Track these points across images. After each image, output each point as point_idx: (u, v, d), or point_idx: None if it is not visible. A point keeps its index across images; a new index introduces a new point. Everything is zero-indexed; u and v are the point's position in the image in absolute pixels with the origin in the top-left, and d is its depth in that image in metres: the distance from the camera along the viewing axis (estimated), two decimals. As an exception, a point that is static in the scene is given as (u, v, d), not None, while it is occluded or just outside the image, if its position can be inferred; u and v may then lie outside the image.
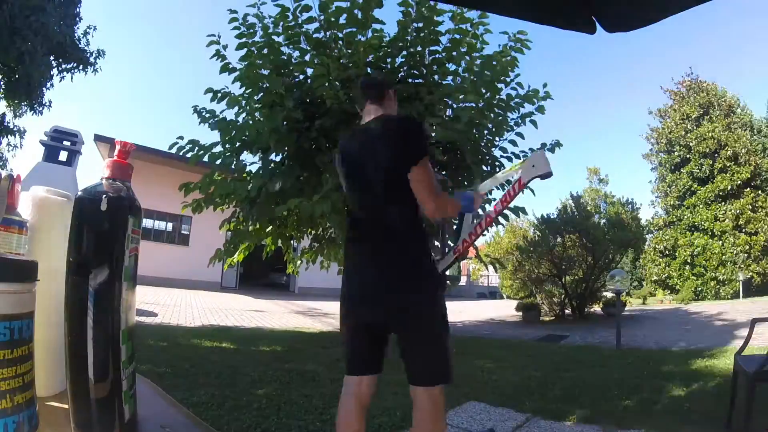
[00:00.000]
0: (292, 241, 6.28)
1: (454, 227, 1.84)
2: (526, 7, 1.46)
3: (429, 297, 1.33)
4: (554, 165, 1.72)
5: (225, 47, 4.94)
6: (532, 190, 5.24)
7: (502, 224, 6.44)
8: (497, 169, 5.28)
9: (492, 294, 23.74)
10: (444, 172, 5.04)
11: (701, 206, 15.39)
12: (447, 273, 1.78)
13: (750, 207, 14.38)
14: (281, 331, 6.52)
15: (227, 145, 5.07)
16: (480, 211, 1.91)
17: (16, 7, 6.81)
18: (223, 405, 2.56)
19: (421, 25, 4.63)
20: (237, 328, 6.39)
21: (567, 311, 9.93)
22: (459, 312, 11.60)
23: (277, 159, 5.31)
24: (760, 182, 14.80)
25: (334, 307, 7.23)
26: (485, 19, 4.74)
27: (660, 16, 1.40)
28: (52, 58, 8.17)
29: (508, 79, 4.95)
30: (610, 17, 1.45)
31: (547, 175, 1.62)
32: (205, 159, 4.98)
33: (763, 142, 16.79)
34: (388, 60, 4.94)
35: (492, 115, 5.00)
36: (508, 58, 4.76)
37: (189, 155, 4.95)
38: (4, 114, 8.59)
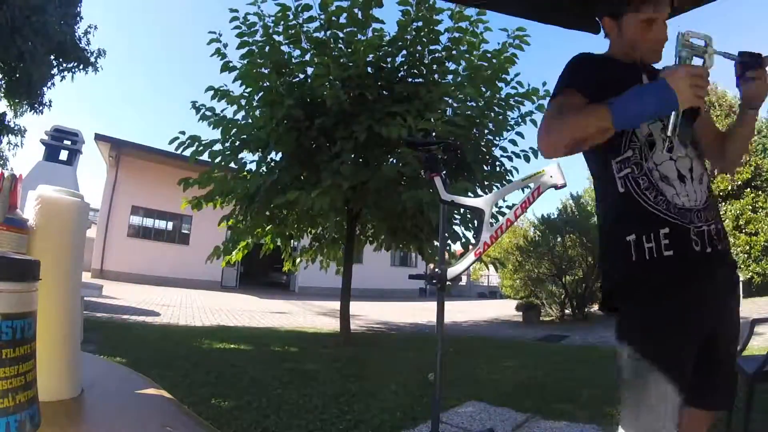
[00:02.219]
0: (291, 240, 6.29)
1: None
2: (530, 7, 1.47)
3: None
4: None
5: (225, 46, 4.96)
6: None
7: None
8: (498, 169, 5.28)
9: (492, 294, 23.75)
10: (444, 172, 5.06)
11: (701, 206, 15.40)
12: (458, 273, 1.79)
13: (750, 207, 14.38)
14: (282, 330, 6.53)
15: (227, 144, 5.07)
16: (499, 217, 1.91)
17: (17, 7, 6.81)
18: (223, 405, 2.56)
19: (420, 24, 4.64)
20: (237, 328, 6.40)
21: (567, 311, 9.93)
22: (459, 312, 11.61)
23: (277, 158, 5.32)
24: (760, 183, 14.79)
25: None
26: (483, 17, 4.74)
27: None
28: (52, 57, 8.17)
29: (508, 78, 4.96)
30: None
31: (561, 186, 1.73)
32: (205, 157, 4.98)
33: (764, 142, 16.78)
34: (389, 59, 4.95)
35: (492, 114, 5.00)
36: (507, 54, 4.77)
37: (189, 151, 4.94)
38: (4, 113, 8.59)
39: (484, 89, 4.89)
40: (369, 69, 4.84)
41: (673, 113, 0.88)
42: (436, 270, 1.77)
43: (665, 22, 1.05)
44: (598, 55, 1.13)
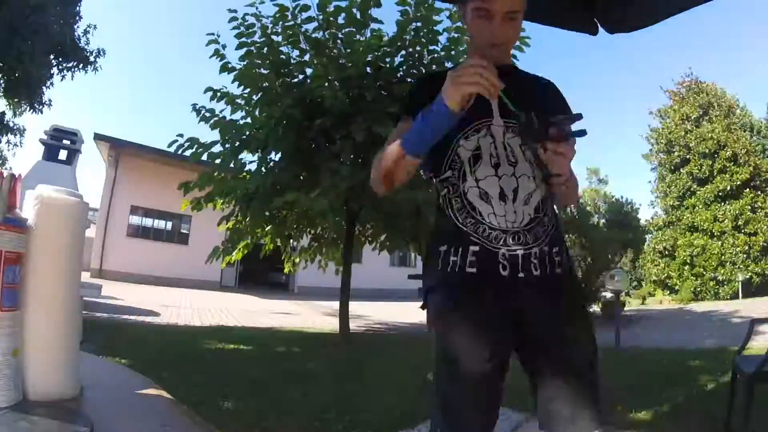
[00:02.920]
0: (290, 240, 6.29)
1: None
2: (529, 8, 1.47)
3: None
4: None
5: (224, 47, 4.95)
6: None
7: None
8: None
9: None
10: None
11: (701, 206, 15.40)
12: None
13: (749, 207, 14.40)
14: (282, 330, 6.52)
15: (227, 145, 5.07)
16: None
17: (16, 7, 6.80)
18: (223, 405, 2.56)
19: (419, 24, 4.63)
20: (237, 328, 6.39)
21: (566, 311, 9.93)
22: (458, 312, 11.58)
23: (277, 158, 5.32)
24: (759, 183, 14.82)
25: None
26: None
27: (660, 18, 1.40)
28: (52, 57, 8.17)
29: None
30: (611, 19, 1.46)
31: None
32: (205, 158, 4.98)
33: (763, 142, 16.82)
34: (387, 60, 4.95)
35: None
36: None
37: (188, 153, 4.95)
38: (3, 112, 8.60)
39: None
40: (368, 69, 4.84)
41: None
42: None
43: (513, 19, 0.92)
44: (442, 73, 0.96)
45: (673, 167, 16.71)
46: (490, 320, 0.88)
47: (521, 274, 0.88)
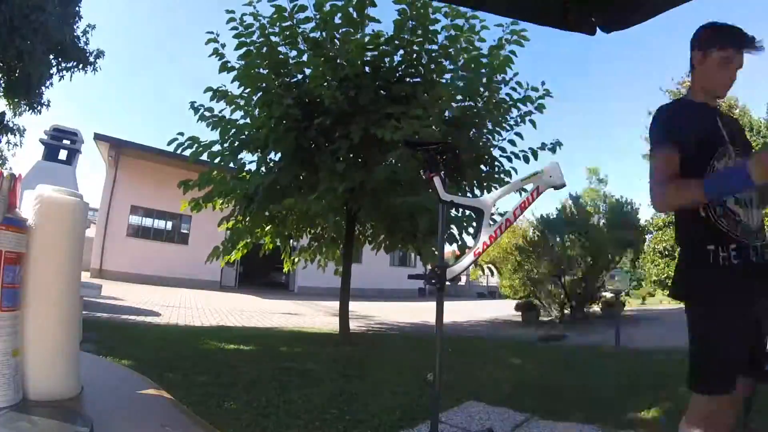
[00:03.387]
0: (290, 240, 6.29)
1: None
2: (524, 8, 1.46)
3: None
4: (554, 165, 1.79)
5: (223, 46, 4.95)
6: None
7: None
8: (496, 169, 5.28)
9: (491, 294, 23.76)
10: (443, 172, 5.05)
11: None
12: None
13: (749, 207, 14.42)
14: (282, 330, 6.52)
15: (226, 144, 5.07)
16: (497, 217, 1.81)
17: (16, 6, 6.80)
18: (223, 404, 2.56)
19: (417, 23, 4.63)
20: (237, 328, 6.40)
21: (566, 311, 9.94)
22: (458, 312, 11.61)
23: (276, 158, 5.32)
24: (759, 183, 14.84)
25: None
26: (479, 12, 4.73)
27: (655, 12, 1.40)
28: (51, 57, 8.17)
29: (507, 78, 4.95)
30: (606, 18, 1.45)
31: (561, 186, 1.74)
32: (204, 157, 4.98)
33: (763, 142, 16.81)
34: (386, 59, 4.94)
35: (490, 115, 5.00)
36: (505, 52, 4.76)
37: (188, 152, 4.94)
38: (3, 112, 8.59)
39: (482, 89, 4.89)
40: (366, 69, 4.84)
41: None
42: (435, 270, 1.77)
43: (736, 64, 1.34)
44: (681, 102, 1.47)
45: (673, 167, 16.73)
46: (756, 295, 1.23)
47: (761, 260, 1.25)
